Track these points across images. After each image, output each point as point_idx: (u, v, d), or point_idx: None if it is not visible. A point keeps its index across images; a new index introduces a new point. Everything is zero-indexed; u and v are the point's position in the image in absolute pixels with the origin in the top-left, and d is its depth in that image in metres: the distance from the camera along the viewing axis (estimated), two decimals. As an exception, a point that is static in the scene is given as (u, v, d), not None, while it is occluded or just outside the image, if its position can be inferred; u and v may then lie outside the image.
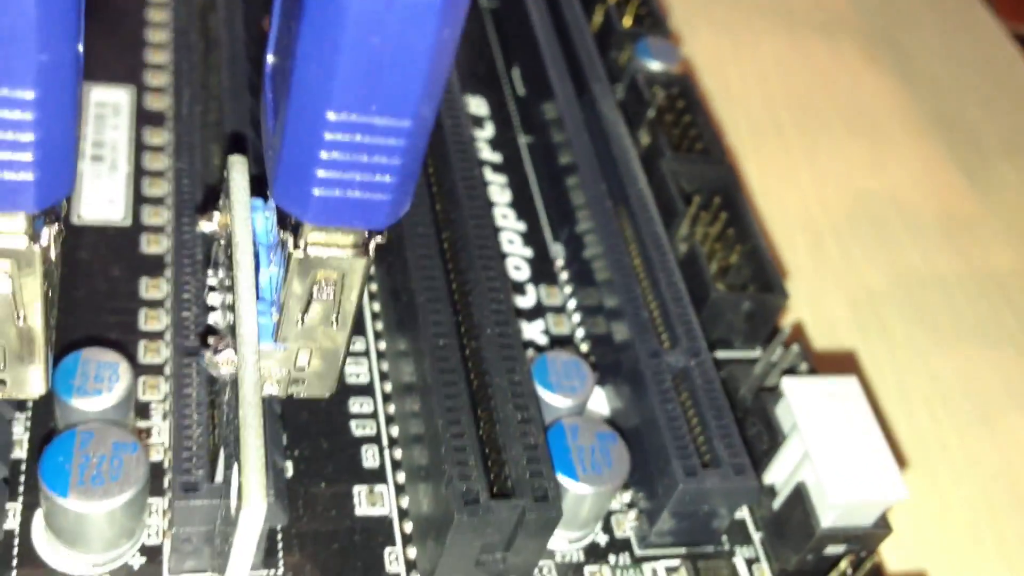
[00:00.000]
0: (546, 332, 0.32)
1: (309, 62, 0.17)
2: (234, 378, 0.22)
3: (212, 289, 0.24)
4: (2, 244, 0.19)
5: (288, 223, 0.20)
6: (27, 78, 0.16)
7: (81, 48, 0.17)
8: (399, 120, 0.17)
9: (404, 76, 0.17)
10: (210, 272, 0.24)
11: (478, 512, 0.23)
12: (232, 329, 0.22)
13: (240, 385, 0.20)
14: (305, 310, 0.21)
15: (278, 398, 0.25)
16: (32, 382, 0.21)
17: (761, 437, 0.29)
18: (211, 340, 0.22)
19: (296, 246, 0.20)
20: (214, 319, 0.23)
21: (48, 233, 0.19)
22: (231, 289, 0.23)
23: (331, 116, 0.17)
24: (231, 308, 0.23)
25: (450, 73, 0.18)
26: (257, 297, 0.21)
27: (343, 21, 0.16)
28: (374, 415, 0.28)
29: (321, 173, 0.18)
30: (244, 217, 0.22)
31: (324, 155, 0.18)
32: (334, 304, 0.21)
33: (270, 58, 0.21)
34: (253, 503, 0.19)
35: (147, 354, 0.28)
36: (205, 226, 0.24)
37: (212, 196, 0.27)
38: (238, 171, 0.23)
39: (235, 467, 0.20)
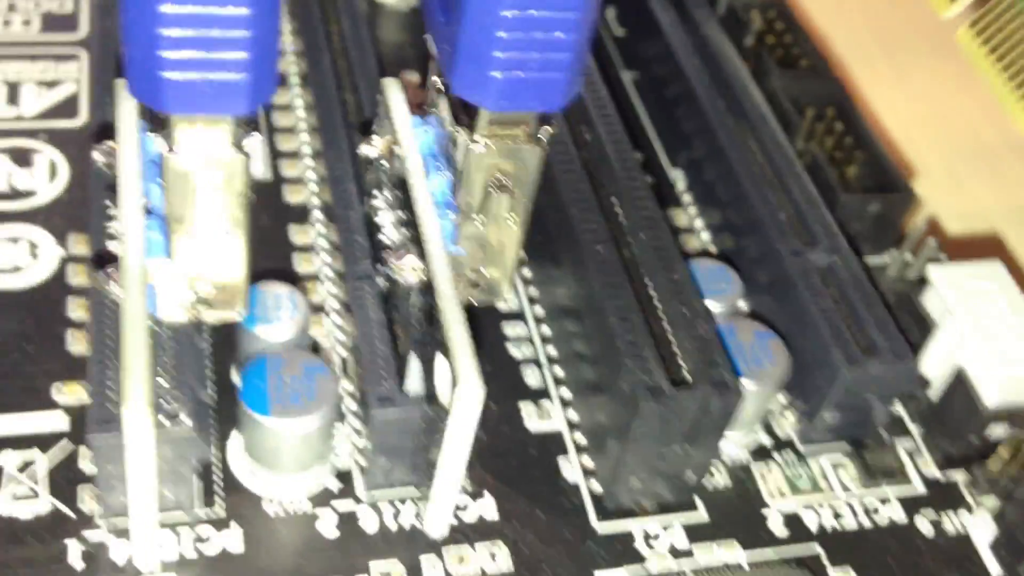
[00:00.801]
0: (681, 252, 0.32)
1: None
2: (420, 283, 0.22)
3: (378, 210, 0.24)
4: (212, 154, 0.19)
5: (462, 119, 0.21)
6: None
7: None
8: None
9: None
10: (375, 192, 0.25)
11: (663, 400, 0.23)
12: (409, 241, 0.23)
13: (435, 280, 0.21)
14: (482, 207, 0.22)
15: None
16: (235, 303, 0.22)
17: (911, 330, 0.29)
18: (386, 254, 0.22)
19: (473, 140, 0.20)
20: (385, 236, 0.24)
21: (252, 142, 0.20)
22: (401, 206, 0.24)
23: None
24: (404, 223, 0.23)
25: None
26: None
27: None
28: (529, 338, 0.29)
29: (500, 55, 0.19)
30: (408, 129, 0.23)
31: (503, 35, 0.18)
32: (510, 200, 0.22)
33: None
34: (470, 382, 0.20)
35: (309, 293, 0.28)
36: (367, 150, 0.24)
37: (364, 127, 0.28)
38: (394, 90, 0.24)
39: (441, 360, 0.21)
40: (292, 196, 0.31)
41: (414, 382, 0.23)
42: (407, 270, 0.22)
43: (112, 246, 0.22)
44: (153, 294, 0.21)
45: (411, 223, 0.23)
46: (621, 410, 0.24)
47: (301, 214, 0.30)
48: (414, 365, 0.23)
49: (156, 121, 0.20)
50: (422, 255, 0.22)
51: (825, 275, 0.29)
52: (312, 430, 0.23)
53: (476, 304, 0.24)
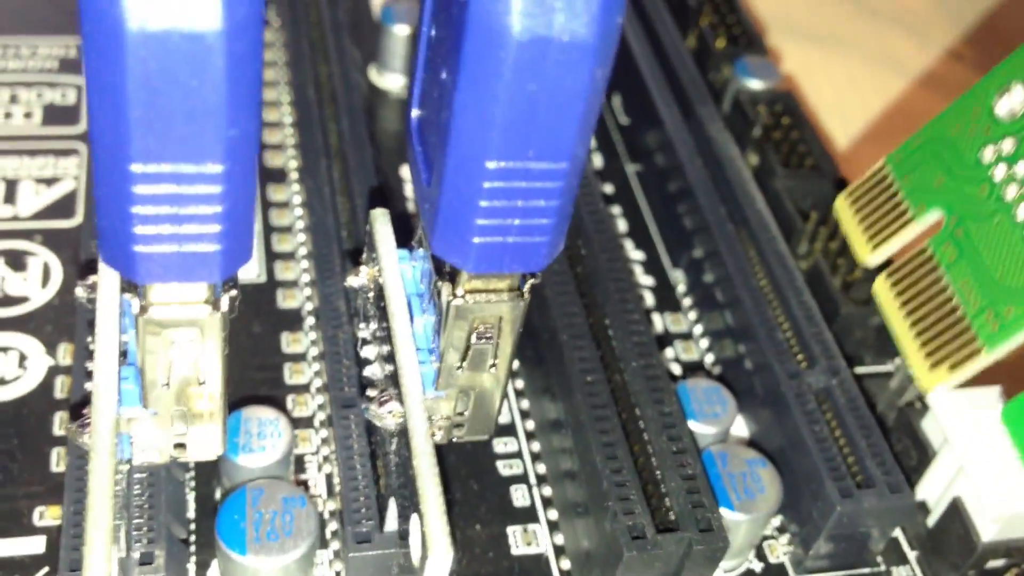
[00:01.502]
0: (676, 360, 0.32)
1: (467, 114, 0.17)
2: (400, 428, 0.22)
3: (366, 342, 0.24)
4: (187, 314, 0.19)
5: (444, 272, 0.20)
6: (217, 153, 0.17)
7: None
8: (556, 163, 0.17)
9: (560, 119, 0.17)
10: (361, 325, 0.25)
11: (646, 547, 0.23)
12: (391, 379, 0.23)
13: (411, 436, 0.20)
14: (464, 357, 0.21)
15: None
16: (212, 444, 0.22)
17: (909, 453, 0.29)
18: (371, 392, 0.22)
19: (454, 295, 0.20)
20: (370, 371, 0.24)
21: (227, 299, 0.20)
22: (385, 340, 0.23)
23: (490, 165, 0.17)
24: (388, 359, 0.23)
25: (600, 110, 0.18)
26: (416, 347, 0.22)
27: (501, 71, 0.17)
28: (519, 454, 0.29)
29: (481, 221, 0.18)
30: (394, 268, 0.23)
31: (484, 203, 0.18)
32: (492, 349, 0.21)
33: (415, 112, 0.21)
34: (439, 551, 0.19)
35: (296, 407, 0.28)
36: (353, 280, 0.24)
37: (354, 251, 0.28)
38: (382, 223, 0.24)
39: (414, 517, 0.21)
40: (286, 301, 0.31)
41: (393, 521, 0.23)
42: (386, 416, 0.22)
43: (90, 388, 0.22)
44: (126, 439, 0.21)
45: (394, 361, 0.23)
46: (606, 549, 0.24)
47: (295, 320, 0.30)
48: (394, 505, 0.23)
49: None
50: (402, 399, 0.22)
51: (822, 398, 0.28)
52: (288, 566, 0.23)
53: (458, 441, 0.23)
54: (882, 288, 0.26)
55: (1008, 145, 0.24)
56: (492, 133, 0.17)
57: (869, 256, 0.27)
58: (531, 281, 0.20)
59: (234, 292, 0.20)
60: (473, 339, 0.21)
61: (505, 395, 0.23)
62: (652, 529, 0.23)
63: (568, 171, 0.18)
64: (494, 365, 0.22)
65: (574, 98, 0.17)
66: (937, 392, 0.27)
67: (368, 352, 0.24)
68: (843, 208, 0.28)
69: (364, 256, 0.24)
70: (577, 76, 0.17)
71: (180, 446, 0.22)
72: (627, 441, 0.25)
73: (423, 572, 0.20)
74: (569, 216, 0.19)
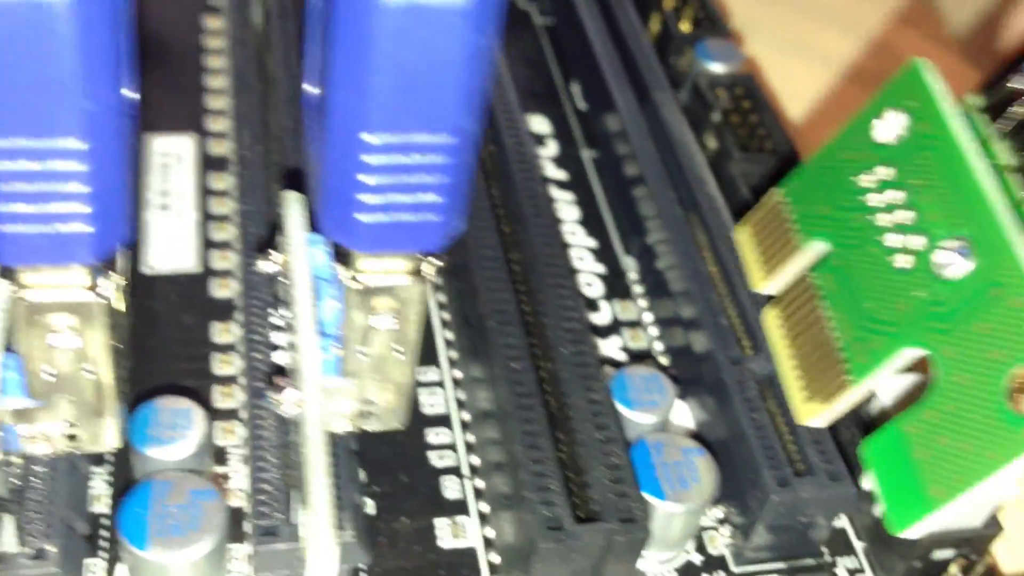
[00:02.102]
0: (624, 348, 0.31)
1: (341, 84, 0.16)
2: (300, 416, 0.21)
3: (279, 328, 0.23)
4: (64, 298, 0.19)
5: (340, 253, 0.20)
6: (74, 127, 0.16)
7: (134, 95, 0.17)
8: (441, 136, 0.17)
9: (440, 89, 0.16)
10: (273, 311, 0.24)
11: (562, 538, 0.22)
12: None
13: (302, 422, 0.20)
14: (366, 341, 0.21)
15: (353, 434, 0.25)
16: (105, 435, 0.21)
17: (856, 442, 0.28)
18: (278, 380, 0.21)
19: (351, 277, 0.19)
20: (281, 358, 0.23)
21: (108, 284, 0.19)
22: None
23: (369, 138, 0.17)
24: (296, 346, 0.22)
25: (490, 83, 0.17)
26: (321, 332, 0.21)
27: (372, 38, 0.16)
28: (452, 445, 0.28)
29: (365, 198, 0.18)
30: (300, 251, 0.22)
31: (367, 180, 0.17)
32: (396, 333, 0.21)
33: (306, 87, 0.21)
34: (322, 544, 0.19)
35: (222, 399, 0.28)
36: (264, 265, 0.23)
37: (273, 235, 0.27)
38: (292, 206, 0.23)
39: (303, 509, 0.20)
40: (220, 291, 0.30)
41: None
42: (287, 404, 0.21)
43: None
44: (12, 430, 0.20)
45: (300, 348, 0.22)
46: (525, 540, 0.23)
47: (226, 310, 0.29)
48: (297, 496, 0.22)
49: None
50: (304, 387, 0.21)
51: (765, 385, 0.27)
52: (195, 561, 0.22)
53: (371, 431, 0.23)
54: (769, 318, 0.25)
55: (882, 172, 0.24)
56: (369, 104, 0.16)
57: (761, 285, 0.26)
58: (432, 262, 0.20)
59: (119, 278, 0.19)
60: (373, 323, 0.20)
61: (417, 384, 0.22)
62: (571, 519, 0.23)
63: (455, 146, 0.17)
64: (400, 351, 0.21)
65: (453, 67, 0.16)
66: (810, 423, 0.26)
67: (280, 339, 0.23)
68: (741, 236, 0.27)
69: (278, 241, 0.24)
70: (453, 43, 0.16)
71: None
72: (552, 430, 0.24)
73: (308, 569, 0.19)
74: (466, 194, 0.18)
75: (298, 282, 0.22)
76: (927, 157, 0.23)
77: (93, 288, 0.19)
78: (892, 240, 0.23)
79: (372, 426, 0.22)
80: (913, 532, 0.21)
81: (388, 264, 0.19)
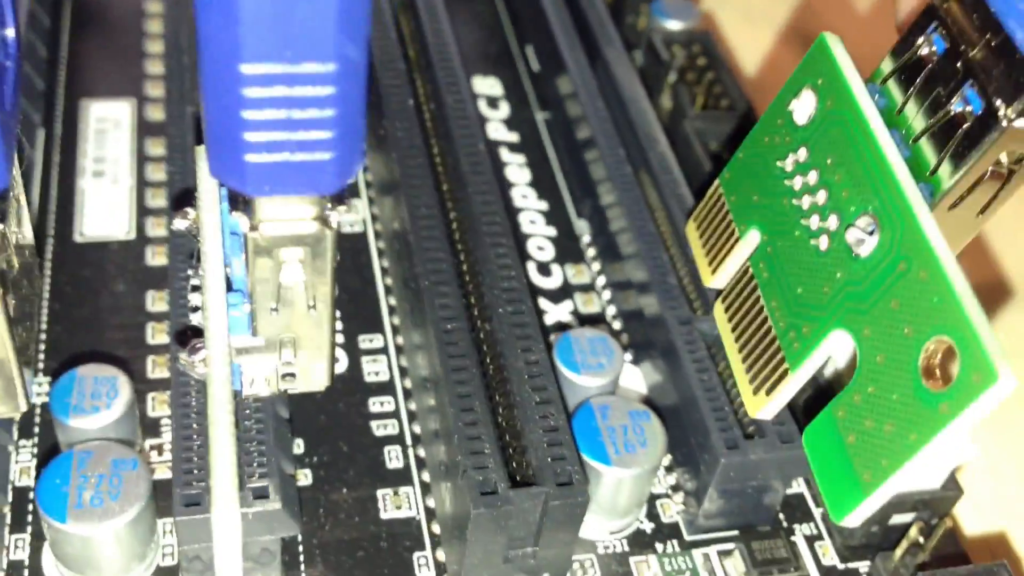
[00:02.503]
0: (575, 312, 0.30)
1: (211, 12, 0.15)
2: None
3: (196, 289, 0.22)
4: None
5: (240, 202, 0.19)
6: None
7: (9, 33, 0.16)
8: (322, 64, 0.16)
9: (316, 12, 0.15)
10: (192, 272, 0.23)
11: (497, 504, 0.21)
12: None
13: (208, 383, 0.19)
14: (276, 297, 0.20)
15: (283, 400, 0.24)
16: (8, 402, 0.20)
17: (812, 403, 0.27)
18: (191, 341, 0.20)
19: (251, 227, 0.18)
20: (198, 320, 0.22)
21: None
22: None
23: (246, 69, 0.16)
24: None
25: (371, 9, 0.16)
26: (231, 289, 0.20)
27: None
28: (395, 414, 0.27)
29: (250, 136, 0.17)
30: (210, 206, 0.21)
31: (249, 115, 0.16)
32: (306, 287, 0.20)
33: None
34: (224, 509, 0.18)
35: (155, 369, 0.27)
36: (179, 223, 0.22)
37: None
38: (202, 159, 0.22)
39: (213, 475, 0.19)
40: (155, 259, 0.29)
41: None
42: (199, 365, 0.20)
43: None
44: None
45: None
46: (461, 508, 0.22)
47: (162, 278, 0.28)
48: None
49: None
50: (221, 348, 0.20)
51: (716, 345, 0.26)
52: (116, 532, 0.21)
53: (292, 393, 0.22)
54: (719, 313, 0.25)
55: (803, 153, 0.23)
56: (240, 31, 0.15)
57: (710, 279, 0.25)
58: (340, 208, 0.19)
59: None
60: (281, 277, 0.19)
61: (335, 342, 0.21)
62: (505, 484, 0.22)
63: (339, 74, 0.16)
64: (313, 307, 0.20)
65: None
66: (760, 416, 0.25)
67: (197, 300, 0.22)
68: (691, 231, 0.26)
69: (195, 198, 0.23)
70: None
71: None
72: (488, 393, 0.23)
73: (212, 534, 0.18)
74: (360, 131, 0.17)
75: (207, 237, 0.21)
76: (835, 134, 0.22)
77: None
78: (814, 223, 0.22)
79: (294, 387, 0.21)
80: (852, 520, 0.20)
81: (290, 211, 0.18)
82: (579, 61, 0.33)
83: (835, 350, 0.22)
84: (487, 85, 0.36)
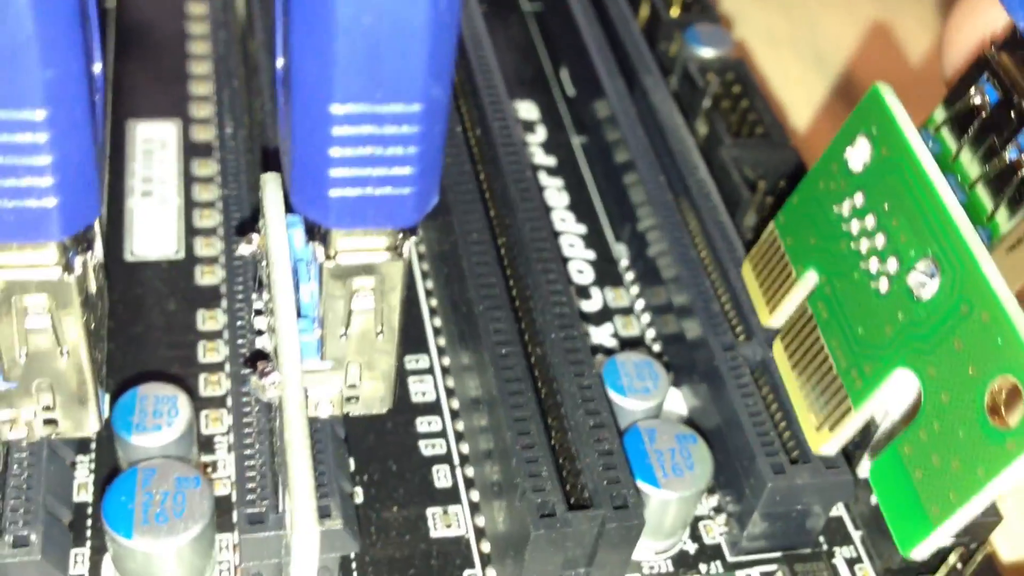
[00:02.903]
0: (615, 335, 0.30)
1: (305, 54, 0.16)
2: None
3: (259, 312, 0.23)
4: (36, 277, 0.18)
5: (316, 233, 0.19)
6: (35, 97, 0.16)
7: (97, 68, 0.17)
8: (409, 105, 0.16)
9: (405, 56, 0.16)
10: (256, 295, 0.23)
11: (555, 526, 0.22)
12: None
13: (283, 406, 0.19)
14: (346, 323, 0.20)
15: (339, 420, 0.24)
16: (84, 420, 0.20)
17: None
18: (259, 364, 0.21)
19: (327, 256, 0.19)
20: (262, 343, 0.23)
21: (82, 262, 0.18)
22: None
23: (336, 109, 0.16)
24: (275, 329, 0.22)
25: (456, 51, 0.17)
26: (300, 314, 0.20)
27: (332, 4, 0.15)
28: (443, 433, 0.27)
29: (335, 172, 0.17)
30: (279, 232, 0.22)
31: (335, 152, 0.17)
32: (375, 313, 0.20)
33: (278, 62, 0.20)
34: (304, 529, 0.18)
35: (208, 387, 0.27)
36: (244, 248, 0.23)
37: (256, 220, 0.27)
38: (271, 187, 0.23)
39: (286, 495, 0.19)
40: (204, 278, 0.29)
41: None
42: (269, 389, 0.20)
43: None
44: None
45: (280, 331, 0.21)
46: (518, 528, 0.23)
47: (212, 297, 0.29)
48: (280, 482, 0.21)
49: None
50: (289, 371, 0.20)
51: (759, 371, 0.27)
52: (180, 549, 0.22)
53: (354, 416, 0.22)
54: (778, 351, 0.26)
55: (859, 199, 0.23)
56: (332, 72, 0.16)
57: (768, 319, 0.26)
58: (411, 239, 0.19)
59: (92, 255, 0.19)
60: (353, 304, 0.19)
61: (400, 366, 0.21)
62: (563, 506, 0.22)
63: (424, 114, 0.17)
64: (380, 332, 0.20)
65: (416, 31, 0.16)
66: (823, 451, 0.25)
67: (262, 323, 0.23)
68: (747, 272, 0.27)
69: (259, 223, 0.23)
70: (416, 8, 0.16)
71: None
72: (543, 416, 0.24)
73: (291, 554, 0.18)
74: (439, 166, 0.18)
75: (276, 263, 0.21)
76: (891, 181, 0.23)
77: (65, 266, 0.18)
78: (873, 265, 0.23)
79: (356, 410, 0.22)
80: (920, 552, 0.21)
81: (364, 242, 0.19)
82: (617, 86, 0.34)
83: (898, 388, 0.22)
84: (524, 109, 0.37)
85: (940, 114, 0.23)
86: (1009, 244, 0.21)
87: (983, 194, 0.22)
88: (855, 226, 0.23)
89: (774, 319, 0.26)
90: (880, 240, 0.23)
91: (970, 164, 0.22)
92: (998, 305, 0.20)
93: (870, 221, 0.23)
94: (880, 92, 0.23)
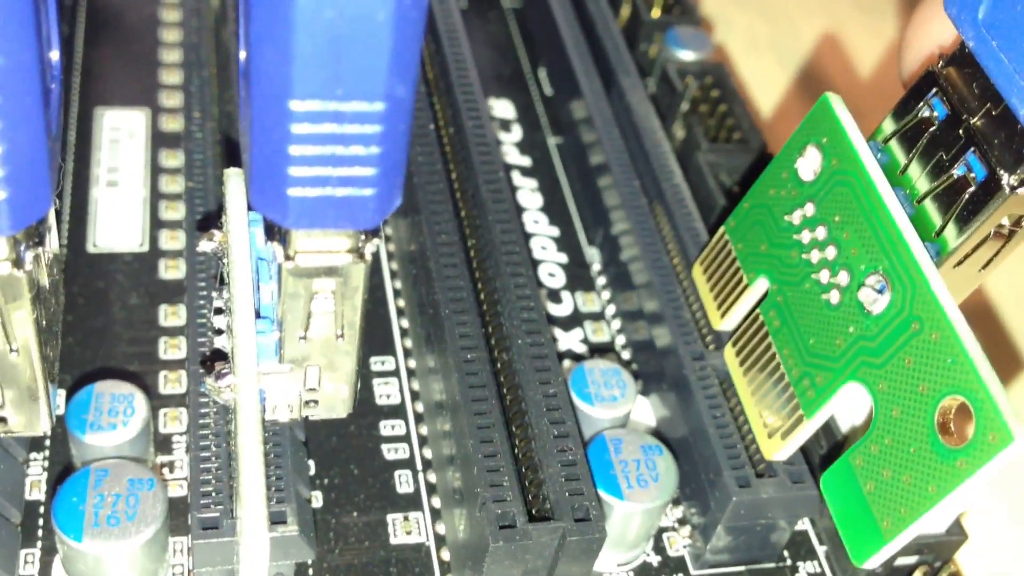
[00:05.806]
0: (585, 341, 0.30)
1: (264, 48, 0.15)
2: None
3: (220, 311, 0.22)
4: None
5: (276, 232, 0.19)
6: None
7: (55, 56, 0.16)
8: (371, 103, 0.16)
9: (368, 52, 0.15)
10: (216, 293, 0.23)
11: (515, 537, 0.21)
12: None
13: (236, 409, 0.19)
14: (306, 325, 0.20)
15: (299, 424, 0.24)
16: (35, 418, 0.20)
17: (819, 442, 0.27)
18: (216, 365, 0.20)
19: (286, 256, 0.18)
20: (222, 343, 0.22)
21: (33, 256, 0.18)
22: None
23: (295, 106, 0.16)
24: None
25: (421, 50, 0.16)
26: (259, 315, 0.20)
27: None
28: (407, 437, 0.27)
29: (294, 171, 0.17)
30: (241, 230, 0.21)
31: (295, 150, 0.16)
32: (336, 316, 0.20)
33: (241, 54, 0.19)
34: (253, 538, 0.18)
35: (168, 384, 0.27)
36: (205, 244, 0.22)
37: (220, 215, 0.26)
38: (234, 183, 0.22)
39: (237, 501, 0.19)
40: (168, 272, 0.29)
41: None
42: (224, 391, 0.20)
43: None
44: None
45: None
46: (477, 538, 0.22)
47: (175, 292, 0.28)
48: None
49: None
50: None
51: (728, 382, 0.27)
52: (131, 553, 0.21)
53: (313, 419, 0.22)
54: (729, 356, 0.25)
55: (810, 209, 0.23)
56: (292, 67, 0.15)
57: (719, 323, 0.26)
58: (373, 241, 0.19)
59: (43, 251, 0.18)
60: (313, 305, 0.19)
61: (361, 370, 0.21)
62: (524, 518, 0.22)
63: (387, 114, 0.16)
64: (341, 335, 0.20)
65: (380, 27, 0.15)
66: (776, 458, 0.25)
67: (221, 322, 0.22)
68: (697, 274, 0.27)
69: (221, 219, 0.23)
70: (378, 4, 0.15)
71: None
72: (507, 424, 0.23)
73: (240, 562, 0.18)
74: (402, 168, 0.17)
75: (236, 262, 0.21)
76: (841, 193, 0.22)
77: (14, 261, 0.18)
78: (824, 277, 0.23)
79: (316, 414, 0.21)
80: (872, 563, 0.21)
81: (325, 243, 0.18)
82: (595, 87, 0.34)
83: (849, 400, 0.22)
84: (501, 107, 0.36)
85: (889, 125, 0.22)
86: (955, 260, 0.21)
87: (931, 209, 0.21)
88: (806, 236, 0.23)
89: (725, 323, 0.26)
90: (831, 252, 0.23)
91: (918, 178, 0.22)
92: (949, 327, 0.20)
93: (821, 232, 0.23)
94: (830, 102, 0.23)
